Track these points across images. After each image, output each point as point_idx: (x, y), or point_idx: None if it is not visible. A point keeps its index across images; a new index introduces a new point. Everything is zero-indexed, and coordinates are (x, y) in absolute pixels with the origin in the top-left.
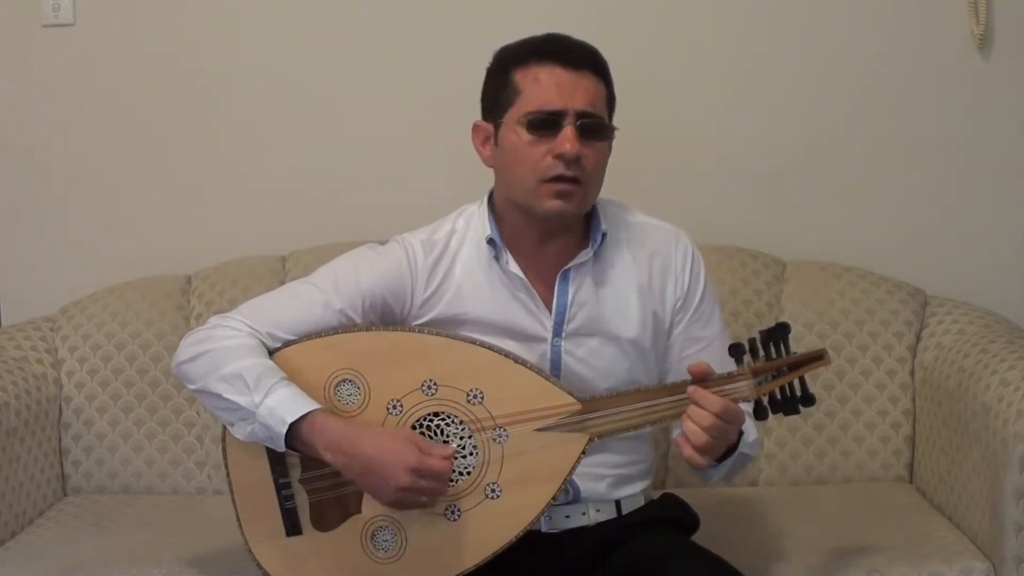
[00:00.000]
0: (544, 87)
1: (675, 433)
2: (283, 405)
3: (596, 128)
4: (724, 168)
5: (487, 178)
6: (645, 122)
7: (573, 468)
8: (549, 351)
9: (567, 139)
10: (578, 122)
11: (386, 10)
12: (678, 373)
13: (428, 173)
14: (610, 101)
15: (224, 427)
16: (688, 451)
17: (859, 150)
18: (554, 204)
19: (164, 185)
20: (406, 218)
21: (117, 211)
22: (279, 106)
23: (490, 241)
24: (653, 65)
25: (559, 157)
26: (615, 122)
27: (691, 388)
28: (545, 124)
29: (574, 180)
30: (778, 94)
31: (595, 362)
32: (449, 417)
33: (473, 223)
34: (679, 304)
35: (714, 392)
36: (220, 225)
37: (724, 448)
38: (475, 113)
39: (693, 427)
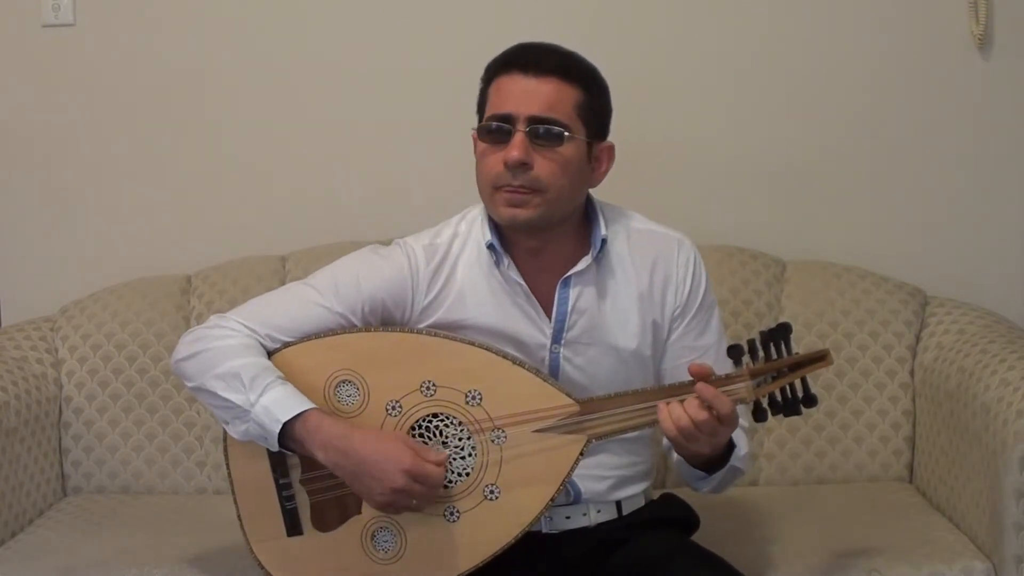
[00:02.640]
0: (503, 95)
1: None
2: (278, 404)
3: (549, 134)
4: (724, 168)
5: None
6: (645, 123)
7: (571, 469)
8: (548, 358)
9: (513, 146)
10: (528, 128)
11: (388, 11)
12: (671, 380)
13: (429, 174)
14: (585, 108)
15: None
16: (673, 433)
17: (859, 150)
18: (507, 212)
19: (164, 185)
20: (406, 219)
21: (117, 211)
22: (279, 106)
23: (490, 246)
24: (653, 66)
25: (505, 165)
26: (613, 129)
27: (700, 385)
28: (497, 132)
29: (523, 188)
30: (778, 94)
31: (593, 370)
32: (448, 418)
33: (475, 227)
34: (677, 311)
35: None
36: (220, 225)
37: (708, 447)
38: (475, 113)
39: (682, 414)
